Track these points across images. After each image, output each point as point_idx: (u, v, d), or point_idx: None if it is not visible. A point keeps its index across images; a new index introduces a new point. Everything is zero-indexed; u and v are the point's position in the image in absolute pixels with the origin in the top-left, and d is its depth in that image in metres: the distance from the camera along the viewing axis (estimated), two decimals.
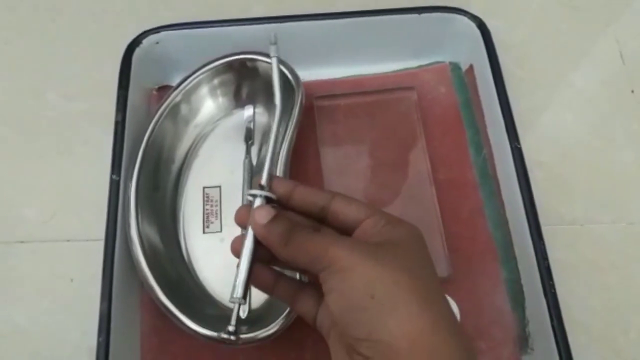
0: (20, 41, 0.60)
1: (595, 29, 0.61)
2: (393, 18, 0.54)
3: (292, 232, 0.32)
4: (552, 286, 0.43)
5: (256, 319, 0.45)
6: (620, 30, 0.60)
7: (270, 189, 0.34)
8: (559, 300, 0.43)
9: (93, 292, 0.43)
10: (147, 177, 0.48)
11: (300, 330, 0.44)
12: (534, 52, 0.59)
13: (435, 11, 0.54)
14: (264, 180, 0.34)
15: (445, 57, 0.57)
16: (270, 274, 0.35)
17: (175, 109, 0.51)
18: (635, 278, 0.49)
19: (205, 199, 0.51)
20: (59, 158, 0.54)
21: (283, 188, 0.34)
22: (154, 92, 0.55)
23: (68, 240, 0.51)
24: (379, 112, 0.54)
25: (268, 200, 0.34)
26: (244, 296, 0.33)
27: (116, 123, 0.49)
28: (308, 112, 0.52)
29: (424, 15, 0.54)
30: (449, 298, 0.39)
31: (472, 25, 0.53)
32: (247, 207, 0.34)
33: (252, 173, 0.51)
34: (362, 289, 0.29)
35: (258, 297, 0.46)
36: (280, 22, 0.53)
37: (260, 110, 0.54)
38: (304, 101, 0.50)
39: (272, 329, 0.41)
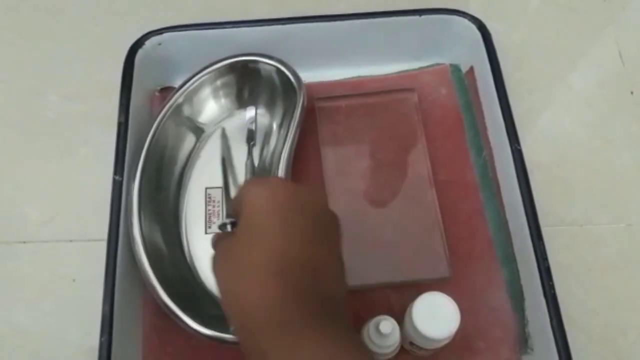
0: (21, 42, 0.60)
1: (594, 30, 0.61)
2: (394, 20, 0.54)
3: None
4: (552, 287, 0.44)
5: None
6: (620, 31, 0.60)
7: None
8: (558, 300, 0.43)
9: (95, 293, 0.43)
10: (150, 178, 0.48)
11: None
12: (532, 53, 0.59)
13: (435, 13, 0.54)
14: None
15: (446, 59, 0.57)
16: None
17: (177, 110, 0.51)
18: (634, 279, 0.49)
19: (208, 199, 0.51)
20: (60, 159, 0.54)
21: None
22: (157, 94, 0.55)
23: (70, 241, 0.51)
24: (379, 114, 0.54)
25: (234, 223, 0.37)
26: None
27: (119, 124, 0.49)
28: (309, 113, 0.52)
29: (425, 17, 0.54)
30: (449, 299, 0.39)
31: (473, 27, 0.54)
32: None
33: (255, 174, 0.51)
34: None
35: None
36: (282, 24, 0.53)
37: (262, 111, 0.54)
38: (305, 102, 0.50)
39: None
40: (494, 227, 0.50)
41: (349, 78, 0.57)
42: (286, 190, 0.32)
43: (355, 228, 0.49)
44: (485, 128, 0.53)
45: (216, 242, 0.35)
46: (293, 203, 0.31)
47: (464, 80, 0.56)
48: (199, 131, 0.54)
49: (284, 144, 0.48)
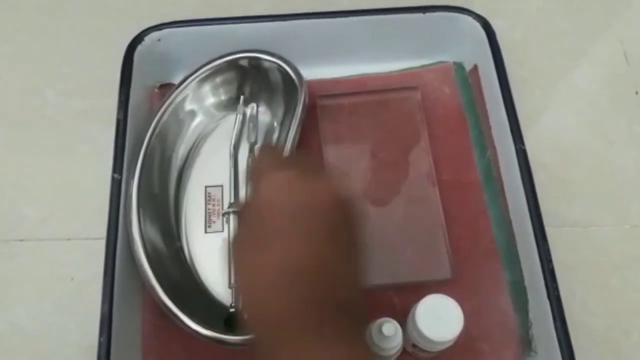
0: (19, 38, 0.59)
1: (598, 29, 0.60)
2: (397, 17, 0.53)
3: None
4: (556, 288, 0.43)
5: None
6: (624, 30, 0.60)
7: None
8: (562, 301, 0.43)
9: (94, 292, 0.43)
10: (149, 175, 0.47)
11: None
12: (536, 52, 0.58)
13: (439, 10, 0.54)
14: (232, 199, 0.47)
15: (449, 57, 0.57)
16: None
17: (177, 107, 0.50)
18: (638, 280, 0.49)
19: (208, 198, 0.50)
20: (59, 156, 0.54)
21: None
22: (156, 90, 0.55)
23: (68, 239, 0.50)
24: (382, 112, 0.53)
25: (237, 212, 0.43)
26: None
27: (118, 121, 0.48)
28: (311, 111, 0.52)
29: (428, 15, 0.54)
30: (452, 301, 0.39)
31: (477, 25, 0.53)
32: None
33: None
34: None
35: None
36: (284, 21, 0.53)
37: (263, 109, 0.54)
38: (307, 100, 0.50)
39: None
40: (497, 228, 0.49)
41: (351, 76, 0.56)
42: (304, 188, 0.31)
43: None
44: (489, 127, 0.52)
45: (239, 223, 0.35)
46: (309, 203, 0.31)
47: (468, 79, 0.56)
48: (198, 128, 0.53)
49: (285, 142, 0.48)
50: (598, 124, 0.56)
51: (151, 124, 0.48)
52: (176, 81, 0.52)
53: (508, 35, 0.55)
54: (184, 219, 0.50)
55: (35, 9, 0.61)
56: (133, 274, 0.44)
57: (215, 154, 0.52)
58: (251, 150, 0.52)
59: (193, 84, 0.51)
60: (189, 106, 0.51)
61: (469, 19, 0.53)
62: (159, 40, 0.53)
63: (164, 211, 0.49)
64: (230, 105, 0.54)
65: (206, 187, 0.51)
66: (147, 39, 0.52)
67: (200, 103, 0.52)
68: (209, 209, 0.50)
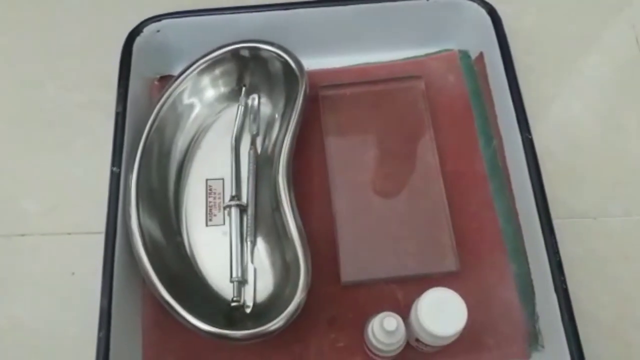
0: (17, 31, 0.59)
1: (608, 13, 0.59)
2: (400, 4, 0.52)
3: None
4: (564, 282, 0.42)
5: (260, 313, 0.44)
6: (637, 14, 0.58)
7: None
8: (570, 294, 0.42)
9: (94, 286, 0.43)
10: (148, 169, 0.47)
11: (305, 325, 0.44)
12: (543, 39, 0.57)
13: None
14: (233, 192, 0.48)
15: (454, 45, 0.55)
16: None
17: (176, 99, 0.50)
18: None
19: (209, 191, 0.50)
20: (58, 150, 0.53)
21: None
22: (155, 82, 0.54)
23: (69, 233, 0.50)
24: (385, 102, 0.52)
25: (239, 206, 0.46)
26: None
27: (117, 114, 0.48)
28: (313, 101, 0.51)
29: (432, 2, 0.52)
30: (456, 295, 0.38)
31: (482, 12, 0.52)
32: None
33: (258, 164, 0.50)
34: None
35: (262, 291, 0.46)
36: (284, 10, 0.52)
37: (263, 100, 0.53)
38: (308, 91, 0.49)
39: (276, 323, 0.40)
40: (503, 220, 0.48)
41: (354, 65, 0.55)
42: None
43: (360, 221, 0.48)
44: (494, 116, 0.51)
45: None
46: None
47: (473, 67, 0.54)
48: (198, 121, 0.52)
49: (285, 133, 0.47)
50: (608, 112, 0.54)
51: (150, 116, 0.48)
52: (176, 73, 0.52)
53: (515, 22, 0.54)
54: (184, 213, 0.49)
55: (33, 3, 0.60)
56: (133, 268, 0.44)
57: (216, 146, 0.51)
58: (253, 142, 0.51)
59: (192, 75, 0.50)
60: (188, 98, 0.51)
61: (474, 6, 0.52)
62: (158, 31, 0.52)
63: (164, 205, 0.48)
64: (231, 97, 0.53)
65: (207, 179, 0.50)
66: (146, 30, 0.52)
67: (200, 95, 0.52)
68: (210, 202, 0.49)
